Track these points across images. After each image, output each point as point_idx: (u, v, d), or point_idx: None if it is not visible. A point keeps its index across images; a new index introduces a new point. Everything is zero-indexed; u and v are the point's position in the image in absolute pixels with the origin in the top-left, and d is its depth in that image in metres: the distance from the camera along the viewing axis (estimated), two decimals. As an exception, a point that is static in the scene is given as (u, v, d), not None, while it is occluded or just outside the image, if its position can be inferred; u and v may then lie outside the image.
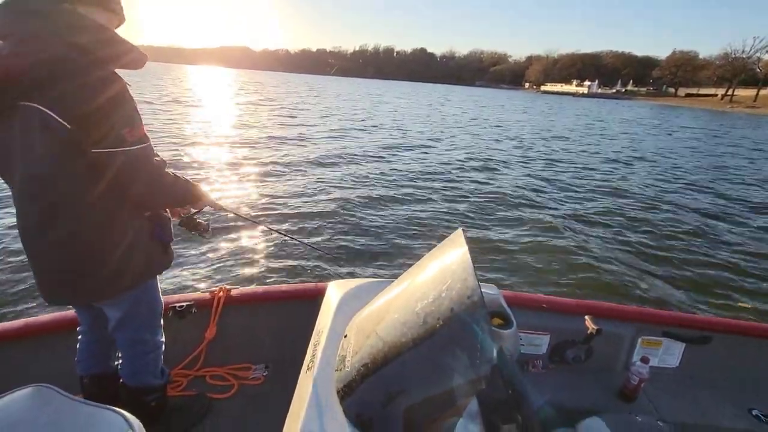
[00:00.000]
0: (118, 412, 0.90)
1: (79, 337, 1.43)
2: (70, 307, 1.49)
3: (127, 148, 1.01)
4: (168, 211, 1.37)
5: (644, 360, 1.69)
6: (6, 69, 0.90)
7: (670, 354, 1.89)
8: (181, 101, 21.58)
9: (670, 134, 22.96)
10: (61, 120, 0.94)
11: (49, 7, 0.94)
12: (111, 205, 1.11)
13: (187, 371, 1.80)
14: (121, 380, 1.41)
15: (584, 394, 1.75)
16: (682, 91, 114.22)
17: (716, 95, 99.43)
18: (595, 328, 1.67)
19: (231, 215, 1.92)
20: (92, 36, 0.98)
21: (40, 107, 0.93)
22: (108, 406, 0.92)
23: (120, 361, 1.41)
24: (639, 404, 1.71)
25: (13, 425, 0.83)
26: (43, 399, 0.92)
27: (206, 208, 1.45)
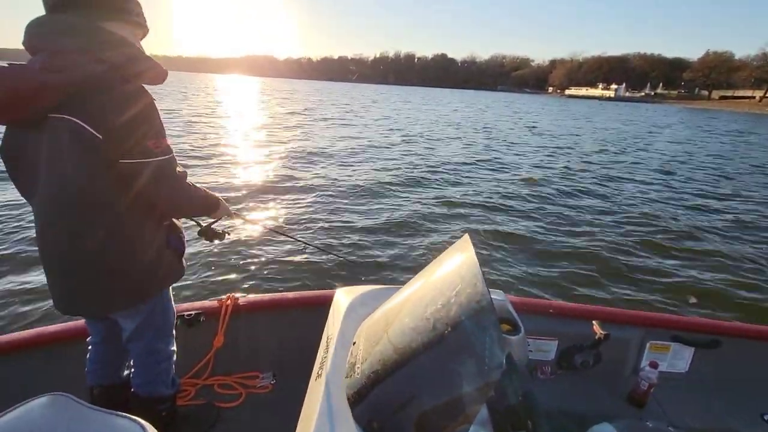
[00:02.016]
0: (135, 420, 0.90)
1: (89, 347, 1.41)
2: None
3: (153, 159, 1.04)
4: (179, 222, 1.38)
5: (653, 365, 1.68)
6: (40, 83, 0.93)
7: (679, 358, 1.86)
8: (213, 111, 22.21)
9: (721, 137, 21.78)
10: (93, 131, 0.96)
11: (81, 24, 1.00)
12: (138, 216, 1.13)
13: (196, 380, 1.81)
14: (132, 390, 1.40)
15: (593, 400, 1.74)
16: (715, 94, 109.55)
17: (754, 97, 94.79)
18: (603, 333, 1.67)
19: (240, 222, 1.91)
20: (120, 52, 1.03)
21: (73, 119, 0.95)
22: (124, 414, 0.92)
23: (131, 371, 1.40)
24: (649, 410, 1.70)
25: None
26: (59, 407, 0.91)
27: (223, 218, 1.47)
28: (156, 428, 0.89)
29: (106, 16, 1.04)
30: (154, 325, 1.33)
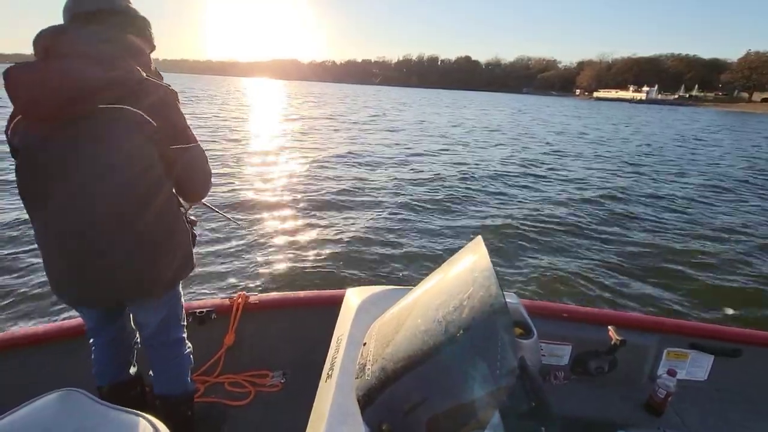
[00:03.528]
0: (146, 417, 0.90)
1: (93, 348, 1.40)
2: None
3: (194, 144, 1.19)
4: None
5: (671, 372, 1.64)
6: (108, 79, 1.02)
7: (697, 367, 1.81)
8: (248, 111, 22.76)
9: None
10: (150, 119, 1.07)
11: (115, 35, 1.13)
12: (175, 205, 1.21)
13: (206, 377, 1.80)
14: (154, 391, 1.39)
15: (608, 407, 1.71)
16: (757, 96, 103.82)
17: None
18: (619, 338, 1.64)
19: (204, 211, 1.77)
20: (143, 59, 1.17)
21: (134, 109, 1.05)
22: (136, 411, 0.92)
23: (149, 372, 1.40)
24: (666, 418, 1.66)
25: (45, 430, 0.86)
26: (72, 403, 0.93)
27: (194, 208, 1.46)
28: (179, 429, 0.92)
29: (130, 30, 1.17)
30: (177, 314, 1.36)
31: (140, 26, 1.21)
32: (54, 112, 1.02)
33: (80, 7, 1.11)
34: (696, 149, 17.22)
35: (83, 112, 1.04)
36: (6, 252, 4.02)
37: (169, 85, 1.18)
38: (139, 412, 0.92)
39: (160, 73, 1.23)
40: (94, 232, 1.09)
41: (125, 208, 1.10)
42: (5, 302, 3.26)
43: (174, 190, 1.22)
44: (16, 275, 3.64)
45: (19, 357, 1.56)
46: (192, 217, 1.48)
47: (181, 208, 1.34)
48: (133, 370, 1.49)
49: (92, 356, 1.40)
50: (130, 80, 1.07)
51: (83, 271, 1.12)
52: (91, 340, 1.40)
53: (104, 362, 1.41)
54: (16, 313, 3.14)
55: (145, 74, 1.11)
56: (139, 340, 1.45)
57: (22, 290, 3.40)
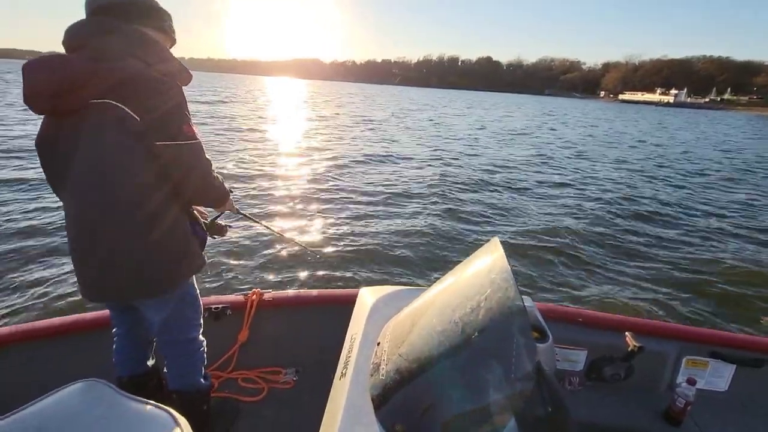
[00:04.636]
0: (165, 409, 0.92)
1: (115, 338, 1.42)
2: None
3: (189, 141, 1.14)
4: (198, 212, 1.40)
5: (690, 381, 1.59)
6: (92, 71, 1.02)
7: (718, 376, 1.74)
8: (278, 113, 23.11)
9: None
10: (136, 117, 1.03)
11: (122, 26, 1.11)
12: (171, 203, 1.18)
13: (220, 373, 1.82)
14: (168, 386, 1.40)
15: (624, 414, 1.68)
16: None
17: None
18: (637, 345, 1.60)
19: (239, 218, 1.84)
20: (155, 53, 1.15)
21: (119, 104, 1.02)
22: (156, 403, 0.94)
23: (164, 365, 1.41)
24: (685, 428, 1.61)
25: (70, 418, 0.88)
26: (95, 393, 0.95)
27: (226, 212, 1.46)
28: (195, 423, 0.93)
29: (143, 22, 1.16)
30: (184, 316, 1.35)
31: (157, 18, 1.20)
32: (46, 106, 1.04)
33: (95, 1, 1.12)
34: (728, 155, 16.54)
35: (74, 106, 1.04)
36: (30, 243, 4.22)
37: (168, 77, 1.15)
38: (159, 404, 0.94)
39: (191, 73, 1.24)
40: (89, 229, 1.10)
41: (115, 206, 1.09)
42: (28, 295, 3.38)
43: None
44: (37, 265, 3.76)
45: (41, 348, 1.61)
46: (221, 222, 1.49)
47: (196, 211, 1.34)
48: (150, 362, 1.51)
49: (113, 346, 1.43)
50: (121, 73, 1.04)
51: (84, 267, 1.14)
52: (114, 330, 1.44)
53: (124, 353, 1.43)
54: (39, 305, 3.23)
55: (152, 67, 1.10)
56: None
57: (47, 282, 3.52)
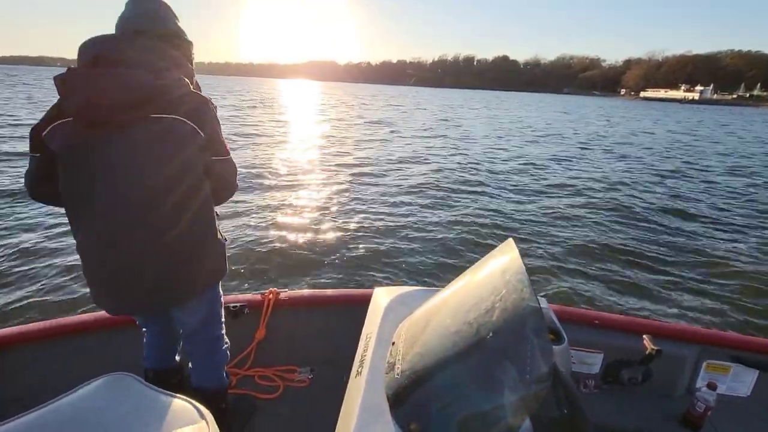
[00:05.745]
0: (192, 403, 0.94)
1: (146, 333, 1.49)
2: None
3: (230, 157, 1.25)
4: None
5: (711, 386, 1.55)
6: (157, 89, 1.06)
7: (739, 381, 1.69)
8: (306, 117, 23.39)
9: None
10: (199, 130, 1.11)
11: (162, 47, 1.18)
12: (210, 209, 1.25)
13: (238, 370, 1.85)
14: (192, 385, 1.44)
15: (641, 419, 1.65)
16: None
17: None
18: (655, 348, 1.57)
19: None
20: (187, 72, 1.23)
21: (187, 121, 1.08)
22: (183, 396, 0.96)
23: (189, 365, 1.45)
24: None
25: (102, 409, 0.91)
26: (124, 387, 0.97)
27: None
28: (214, 419, 0.95)
29: (171, 45, 1.23)
30: (215, 315, 1.42)
31: (185, 47, 1.28)
32: (109, 117, 1.06)
33: (139, 25, 1.17)
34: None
35: (135, 120, 1.07)
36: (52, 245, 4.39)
37: (210, 99, 1.23)
38: (186, 398, 0.96)
39: (199, 83, 1.32)
40: (130, 243, 1.09)
41: (164, 219, 1.12)
42: (61, 290, 3.50)
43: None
44: (61, 260, 3.87)
45: (69, 343, 1.68)
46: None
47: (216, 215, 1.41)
48: (177, 357, 1.58)
49: (144, 340, 1.49)
50: (179, 90, 1.12)
51: (118, 283, 1.12)
52: (144, 329, 1.50)
53: (155, 347, 1.49)
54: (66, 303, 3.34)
55: (191, 86, 1.18)
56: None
57: (69, 281, 3.65)
